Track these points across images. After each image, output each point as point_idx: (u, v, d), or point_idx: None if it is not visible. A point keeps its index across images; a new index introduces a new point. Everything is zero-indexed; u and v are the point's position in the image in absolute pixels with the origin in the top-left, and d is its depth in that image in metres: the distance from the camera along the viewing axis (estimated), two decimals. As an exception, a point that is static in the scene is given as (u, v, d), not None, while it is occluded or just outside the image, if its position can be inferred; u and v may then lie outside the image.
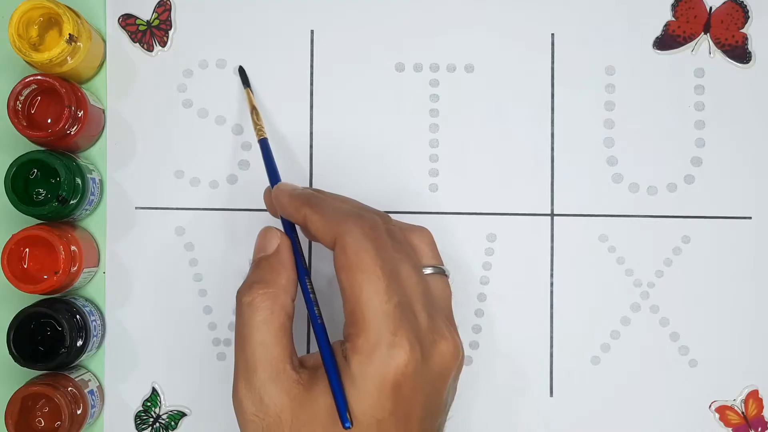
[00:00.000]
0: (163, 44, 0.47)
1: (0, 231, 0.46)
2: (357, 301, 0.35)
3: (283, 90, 0.47)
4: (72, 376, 0.45)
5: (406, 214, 0.47)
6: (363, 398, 0.34)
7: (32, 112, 0.44)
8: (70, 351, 0.44)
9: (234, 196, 0.47)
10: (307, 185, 0.47)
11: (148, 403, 0.47)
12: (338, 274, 0.36)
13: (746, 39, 0.47)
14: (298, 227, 0.40)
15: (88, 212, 0.47)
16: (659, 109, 0.47)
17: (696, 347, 0.47)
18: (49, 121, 0.44)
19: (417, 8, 0.47)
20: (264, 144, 0.44)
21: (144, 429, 0.47)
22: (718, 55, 0.47)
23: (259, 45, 0.47)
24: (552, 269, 0.47)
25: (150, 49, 0.47)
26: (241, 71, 0.47)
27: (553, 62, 0.47)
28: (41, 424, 0.44)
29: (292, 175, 0.47)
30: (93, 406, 0.45)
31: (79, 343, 0.44)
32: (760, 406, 0.47)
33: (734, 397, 0.47)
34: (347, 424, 0.34)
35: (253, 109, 0.45)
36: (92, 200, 0.46)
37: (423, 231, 0.41)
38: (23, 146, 0.45)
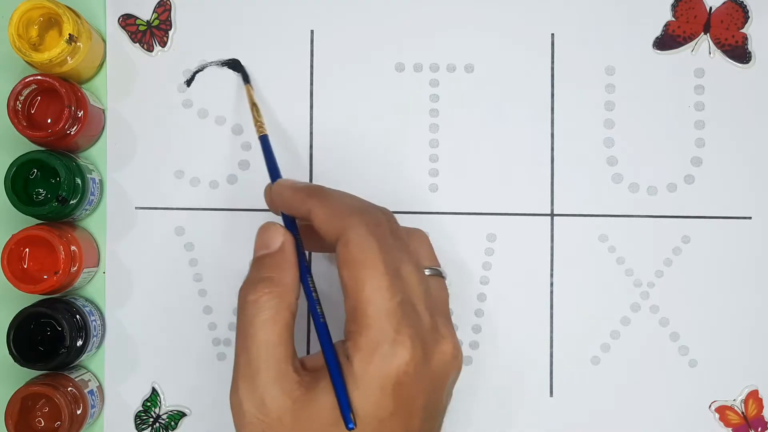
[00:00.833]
0: (163, 44, 0.47)
1: (0, 231, 0.46)
2: (359, 298, 0.35)
3: (283, 90, 0.47)
4: (72, 376, 0.45)
5: (406, 214, 0.47)
6: (365, 397, 0.34)
7: (32, 112, 0.44)
8: (70, 351, 0.44)
9: (234, 196, 0.47)
10: (307, 185, 0.47)
11: (148, 403, 0.47)
12: (340, 270, 0.36)
13: (746, 39, 0.47)
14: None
15: (88, 212, 0.47)
16: (659, 109, 0.47)
17: (696, 347, 0.47)
18: (49, 121, 0.44)
19: (417, 8, 0.47)
20: (264, 140, 0.43)
21: (144, 429, 0.47)
22: (718, 55, 0.47)
23: (259, 45, 0.47)
24: (552, 269, 0.47)
25: (150, 49, 0.47)
26: (241, 67, 0.46)
27: (553, 62, 0.47)
28: (41, 424, 0.44)
29: (293, 175, 0.46)
30: (93, 406, 0.45)
31: (79, 343, 0.44)
32: (760, 406, 0.47)
33: (734, 397, 0.47)
34: (350, 425, 0.33)
35: (253, 105, 0.45)
36: (92, 200, 0.46)
37: (421, 233, 0.41)
38: (23, 146, 0.45)
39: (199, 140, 0.47)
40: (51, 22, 0.44)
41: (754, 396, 0.47)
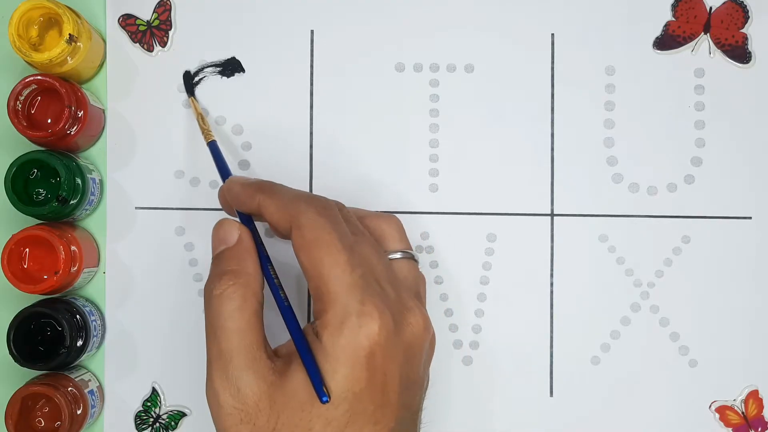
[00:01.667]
0: (163, 44, 0.47)
1: (0, 231, 0.46)
2: (320, 276, 0.35)
3: (283, 90, 0.47)
4: (72, 376, 0.45)
5: (407, 214, 0.47)
6: (338, 371, 0.34)
7: (32, 112, 0.44)
8: (70, 351, 0.44)
9: (234, 196, 0.47)
10: (307, 185, 0.47)
11: (148, 403, 0.47)
12: (298, 255, 0.36)
13: (746, 39, 0.47)
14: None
15: (88, 212, 0.47)
16: (659, 109, 0.47)
17: (696, 347, 0.47)
18: (49, 121, 0.44)
19: (417, 8, 0.47)
20: (213, 146, 0.44)
21: (144, 429, 0.47)
22: (718, 55, 0.47)
23: (259, 45, 0.47)
24: (552, 269, 0.47)
25: (150, 49, 0.47)
26: (186, 78, 0.47)
27: (553, 62, 0.47)
28: (41, 424, 0.44)
29: (292, 175, 0.47)
30: (93, 406, 0.45)
31: (79, 343, 0.44)
32: (760, 406, 0.47)
33: (734, 397, 0.47)
34: (324, 398, 0.34)
35: (199, 115, 0.46)
36: (92, 200, 0.46)
37: (390, 217, 0.42)
38: (23, 146, 0.45)
39: (199, 140, 0.47)
40: (51, 22, 0.44)
41: (754, 396, 0.47)
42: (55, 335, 0.44)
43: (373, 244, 0.38)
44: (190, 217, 0.47)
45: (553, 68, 0.47)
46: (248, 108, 0.47)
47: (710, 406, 0.47)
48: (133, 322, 0.47)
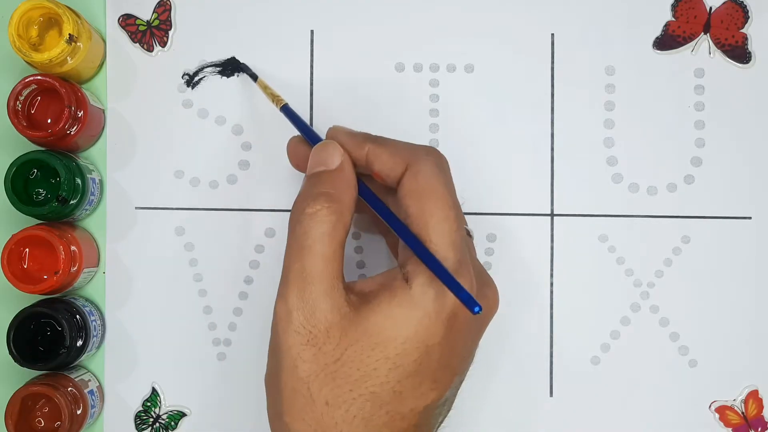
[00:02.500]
0: (163, 44, 0.47)
1: (0, 231, 0.46)
2: (426, 225, 0.35)
3: (283, 90, 0.47)
4: (72, 376, 0.45)
5: (406, 214, 0.47)
6: (420, 320, 0.34)
7: (32, 112, 0.44)
8: (70, 351, 0.44)
9: (234, 196, 0.47)
10: (307, 185, 0.47)
11: (148, 403, 0.47)
12: (406, 199, 0.36)
13: (746, 39, 0.47)
14: None
15: (88, 212, 0.47)
16: (659, 109, 0.47)
17: (696, 347, 0.47)
18: (49, 121, 0.44)
19: (417, 8, 0.47)
20: (287, 109, 0.43)
21: (144, 429, 0.47)
22: (718, 55, 0.47)
23: (259, 45, 0.47)
24: (552, 269, 0.47)
25: (150, 49, 0.47)
26: (244, 67, 0.47)
27: (553, 62, 0.47)
28: (41, 424, 0.44)
29: (293, 175, 0.47)
30: (93, 406, 0.45)
31: (79, 343, 0.44)
32: (760, 406, 0.47)
33: (734, 397, 0.47)
34: (477, 309, 0.33)
35: (266, 88, 0.45)
36: (92, 200, 0.46)
37: None
38: (23, 146, 0.45)
39: (199, 140, 0.47)
40: (51, 22, 0.44)
41: (754, 396, 0.47)
42: (55, 335, 0.44)
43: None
44: (190, 217, 0.47)
45: (553, 68, 0.47)
46: (248, 108, 0.47)
47: (710, 406, 0.47)
48: (133, 322, 0.47)
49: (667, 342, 0.47)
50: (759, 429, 0.47)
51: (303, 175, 0.40)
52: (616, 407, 0.47)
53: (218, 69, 0.47)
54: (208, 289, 0.47)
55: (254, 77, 0.46)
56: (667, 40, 0.47)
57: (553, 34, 0.47)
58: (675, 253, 0.47)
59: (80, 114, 0.44)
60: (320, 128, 0.47)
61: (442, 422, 0.39)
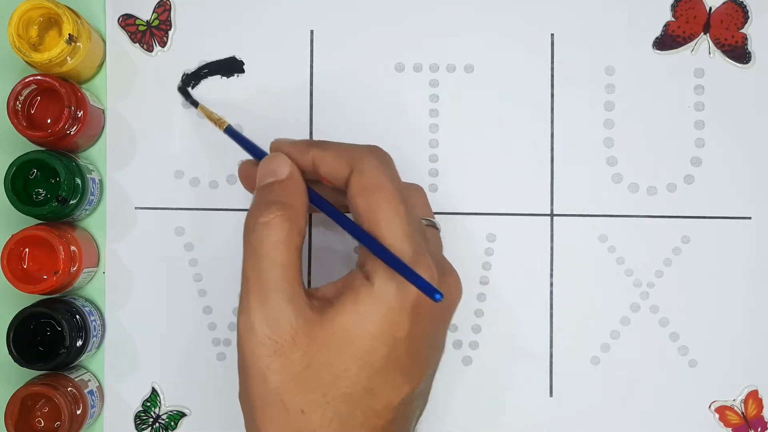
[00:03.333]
0: (163, 44, 0.47)
1: (0, 231, 0.46)
2: (376, 222, 0.35)
3: (283, 90, 0.47)
4: (72, 376, 0.45)
5: (406, 214, 0.47)
6: (386, 315, 0.34)
7: (32, 112, 0.44)
8: (69, 351, 0.44)
9: (234, 196, 0.47)
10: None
11: (148, 403, 0.47)
12: (355, 199, 0.36)
13: (746, 39, 0.47)
14: None
15: (88, 212, 0.47)
16: (659, 109, 0.47)
17: (696, 347, 0.47)
18: (49, 121, 0.44)
19: (417, 8, 0.47)
20: (230, 130, 0.43)
21: (144, 429, 0.47)
22: (718, 55, 0.47)
23: (259, 45, 0.47)
24: (552, 269, 0.47)
25: (150, 49, 0.47)
26: (182, 92, 0.46)
27: (553, 62, 0.47)
28: (41, 424, 0.44)
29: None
30: (93, 406, 0.45)
31: (79, 343, 0.44)
32: (760, 406, 0.47)
33: (734, 397, 0.47)
34: (438, 296, 0.33)
35: (210, 113, 0.45)
36: (92, 200, 0.46)
37: (417, 187, 0.42)
38: (23, 146, 0.45)
39: (199, 140, 0.47)
40: (51, 22, 0.44)
41: (754, 396, 0.47)
42: (54, 335, 0.44)
43: (422, 205, 0.38)
44: (190, 217, 0.47)
45: (552, 68, 0.47)
46: (248, 108, 0.47)
47: (710, 406, 0.47)
48: (133, 322, 0.47)
49: (667, 342, 0.47)
50: (759, 429, 0.47)
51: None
52: (616, 407, 0.47)
53: (218, 69, 0.47)
54: (208, 289, 0.47)
55: (195, 104, 0.46)
56: (667, 40, 0.47)
57: (553, 34, 0.47)
58: (675, 253, 0.47)
59: (80, 114, 0.44)
60: (320, 128, 0.47)
61: (419, 417, 0.39)
